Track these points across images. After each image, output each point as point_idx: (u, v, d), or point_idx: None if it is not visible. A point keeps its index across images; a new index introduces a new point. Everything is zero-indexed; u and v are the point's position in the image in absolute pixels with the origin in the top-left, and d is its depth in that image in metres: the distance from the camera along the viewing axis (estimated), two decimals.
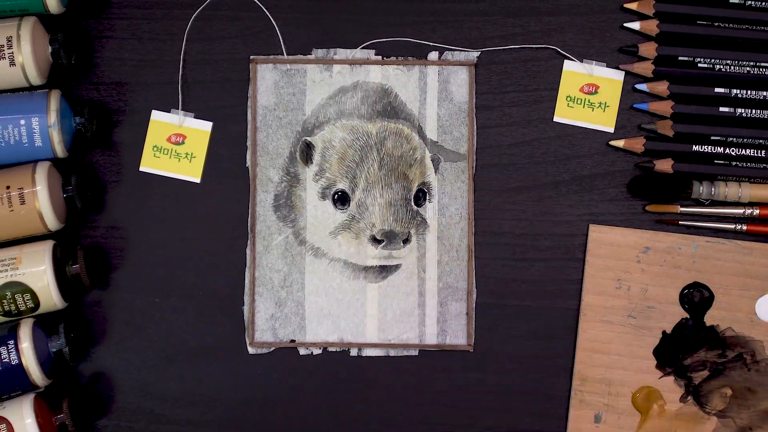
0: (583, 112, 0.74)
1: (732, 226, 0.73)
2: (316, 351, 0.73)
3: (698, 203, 0.73)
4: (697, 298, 0.73)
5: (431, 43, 0.74)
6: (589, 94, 0.74)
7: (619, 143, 0.73)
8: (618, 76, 0.74)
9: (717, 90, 0.73)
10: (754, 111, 0.73)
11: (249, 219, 0.73)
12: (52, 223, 0.69)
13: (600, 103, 0.74)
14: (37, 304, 0.69)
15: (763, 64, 0.73)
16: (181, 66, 0.74)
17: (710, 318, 0.73)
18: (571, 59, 0.74)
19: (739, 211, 0.73)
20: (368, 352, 0.73)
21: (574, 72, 0.74)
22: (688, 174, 0.73)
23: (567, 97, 0.74)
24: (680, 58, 0.73)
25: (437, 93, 0.74)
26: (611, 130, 0.74)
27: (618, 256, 0.73)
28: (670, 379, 0.73)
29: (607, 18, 0.74)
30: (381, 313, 0.73)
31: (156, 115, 0.74)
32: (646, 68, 0.73)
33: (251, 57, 0.74)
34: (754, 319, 0.73)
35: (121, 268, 0.74)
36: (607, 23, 0.74)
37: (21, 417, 0.67)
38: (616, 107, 0.74)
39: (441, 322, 0.73)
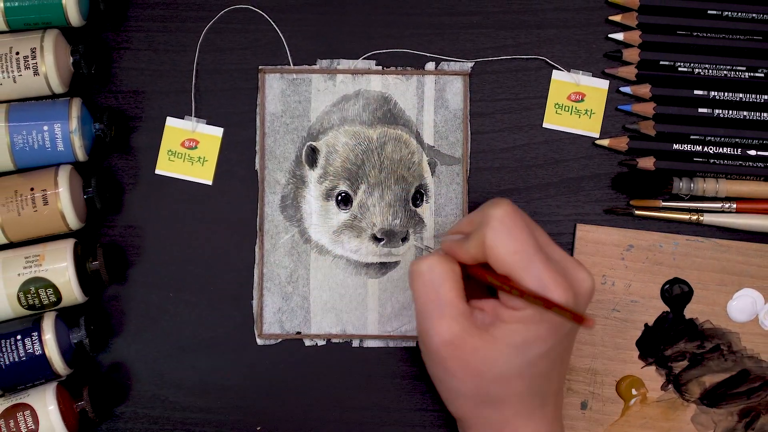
0: (570, 119, 0.74)
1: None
2: (321, 342, 0.74)
3: (678, 198, 0.73)
4: (677, 292, 0.73)
5: (428, 54, 0.75)
6: (576, 102, 0.74)
7: (605, 142, 0.74)
8: (603, 85, 0.74)
9: (696, 92, 0.73)
10: (730, 112, 0.73)
11: (257, 219, 0.74)
12: (73, 222, 0.70)
13: (586, 110, 0.74)
14: (59, 298, 0.69)
15: (739, 68, 0.73)
16: (194, 75, 0.74)
17: (689, 311, 0.73)
18: (559, 69, 0.74)
19: (717, 205, 0.73)
20: (369, 344, 0.74)
21: (562, 81, 0.74)
22: (668, 171, 0.73)
23: (555, 104, 0.74)
24: (662, 62, 0.73)
25: (434, 101, 0.74)
26: (597, 135, 0.74)
27: (603, 254, 0.73)
28: (652, 368, 0.73)
29: (592, 30, 0.75)
30: (381, 307, 0.74)
31: (170, 122, 0.74)
32: (629, 72, 0.74)
33: (260, 67, 0.74)
34: None
35: (137, 264, 0.74)
36: (592, 35, 0.75)
37: (44, 404, 0.68)
38: (602, 114, 0.74)
39: None
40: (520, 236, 0.58)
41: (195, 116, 0.74)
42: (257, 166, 0.74)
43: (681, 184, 0.73)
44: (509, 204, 0.59)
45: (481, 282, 0.61)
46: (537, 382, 0.60)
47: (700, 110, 0.73)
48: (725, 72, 0.73)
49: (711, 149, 0.73)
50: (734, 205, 0.73)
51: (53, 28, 0.70)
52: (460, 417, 0.64)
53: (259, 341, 0.74)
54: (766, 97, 0.73)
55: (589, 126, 0.74)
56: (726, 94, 0.73)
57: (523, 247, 0.58)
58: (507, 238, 0.58)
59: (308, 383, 0.74)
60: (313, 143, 0.74)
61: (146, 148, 0.74)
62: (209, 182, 0.74)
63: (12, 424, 0.67)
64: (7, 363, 0.67)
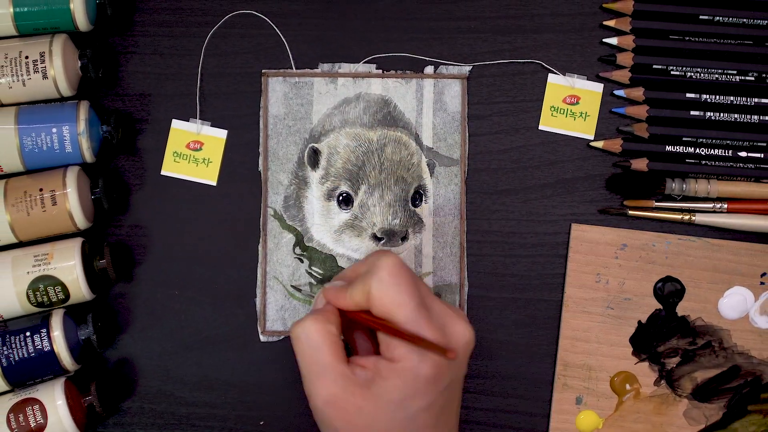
0: (565, 121, 0.74)
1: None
2: None
3: (671, 199, 0.74)
4: (669, 290, 0.73)
5: (427, 58, 0.75)
6: (571, 105, 0.74)
7: (599, 144, 0.74)
8: (597, 88, 0.74)
9: (688, 95, 0.73)
10: (721, 114, 0.73)
11: (261, 219, 0.74)
12: (81, 222, 0.70)
13: (581, 112, 0.74)
14: (67, 296, 0.69)
15: (730, 71, 0.73)
16: (198, 79, 0.75)
17: (682, 309, 0.73)
18: (555, 73, 0.75)
19: (709, 205, 0.73)
20: None
21: (558, 84, 0.74)
22: (661, 172, 0.73)
23: (551, 107, 0.74)
24: (654, 66, 0.73)
25: (432, 103, 0.74)
26: (591, 137, 0.74)
27: (597, 253, 0.73)
28: (645, 364, 0.73)
29: (587, 35, 0.75)
30: None
31: (176, 124, 0.74)
32: (623, 75, 0.74)
33: (263, 71, 0.75)
34: None
35: (143, 263, 0.74)
36: (587, 40, 0.75)
37: (53, 399, 0.68)
38: (596, 116, 0.74)
39: None
40: (406, 289, 0.58)
41: (200, 119, 0.74)
42: (260, 168, 0.74)
43: (673, 184, 0.73)
44: (396, 256, 0.59)
45: (360, 324, 0.61)
46: None
47: (692, 113, 0.73)
48: (716, 75, 0.73)
49: (703, 151, 0.73)
50: (725, 206, 0.73)
51: (61, 33, 0.71)
52: None
53: (262, 338, 0.74)
54: (756, 100, 0.73)
55: (584, 128, 0.74)
56: (717, 97, 0.73)
57: (408, 301, 0.57)
58: (393, 289, 0.58)
59: None
60: (315, 145, 0.74)
61: (152, 150, 0.74)
62: (213, 183, 0.74)
63: (21, 418, 0.67)
64: (17, 359, 0.68)
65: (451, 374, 0.58)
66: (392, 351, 0.58)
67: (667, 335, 0.73)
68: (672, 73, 0.73)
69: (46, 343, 0.68)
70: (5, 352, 0.68)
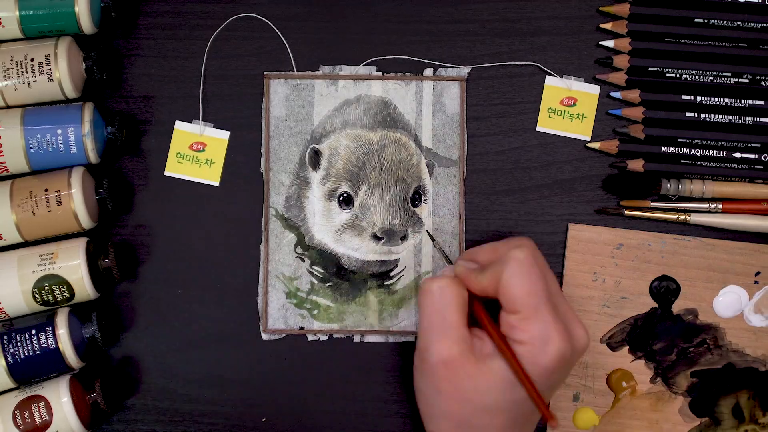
0: (562, 123, 0.75)
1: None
2: (323, 337, 0.74)
3: (666, 199, 0.74)
4: (665, 289, 0.74)
5: (427, 61, 0.75)
6: (568, 107, 0.74)
7: (596, 145, 0.74)
8: (594, 90, 0.74)
9: (683, 97, 0.74)
10: (716, 116, 0.73)
11: (263, 219, 0.74)
12: (85, 222, 0.70)
13: (578, 114, 0.74)
14: (72, 295, 0.70)
15: (724, 74, 0.73)
16: (201, 81, 0.75)
17: (677, 307, 0.74)
18: (552, 75, 0.75)
19: (704, 206, 0.73)
20: (370, 339, 0.74)
21: (555, 86, 0.75)
22: (657, 173, 0.74)
23: (548, 109, 0.75)
24: (650, 68, 0.74)
25: (432, 105, 0.75)
26: (588, 138, 0.74)
27: (594, 252, 0.74)
28: (641, 362, 0.74)
29: (584, 38, 0.75)
30: (381, 303, 0.74)
31: (179, 125, 0.75)
32: (619, 78, 0.74)
33: (265, 73, 0.75)
34: None
35: (147, 262, 0.74)
36: (584, 42, 0.75)
37: (58, 396, 0.68)
38: (593, 118, 0.74)
39: None
40: (535, 281, 0.58)
41: (203, 120, 0.75)
42: (262, 168, 0.74)
43: (669, 185, 0.73)
44: (531, 248, 0.60)
45: (474, 315, 0.61)
46: (520, 420, 0.59)
47: (688, 114, 0.73)
48: (711, 78, 0.74)
49: (698, 152, 0.73)
50: (720, 206, 0.73)
51: (66, 36, 0.71)
52: None
53: (264, 336, 0.74)
54: (750, 101, 0.73)
55: (581, 129, 0.74)
56: (712, 98, 0.73)
57: (536, 292, 0.58)
58: (523, 279, 0.58)
59: (311, 376, 0.74)
60: (316, 146, 0.74)
61: (156, 151, 0.75)
62: (216, 183, 0.74)
63: (27, 415, 0.67)
64: (22, 357, 0.68)
65: (566, 369, 0.58)
66: (515, 333, 0.58)
67: (663, 333, 0.73)
68: (667, 75, 0.74)
69: (51, 341, 0.68)
70: (11, 350, 0.68)
